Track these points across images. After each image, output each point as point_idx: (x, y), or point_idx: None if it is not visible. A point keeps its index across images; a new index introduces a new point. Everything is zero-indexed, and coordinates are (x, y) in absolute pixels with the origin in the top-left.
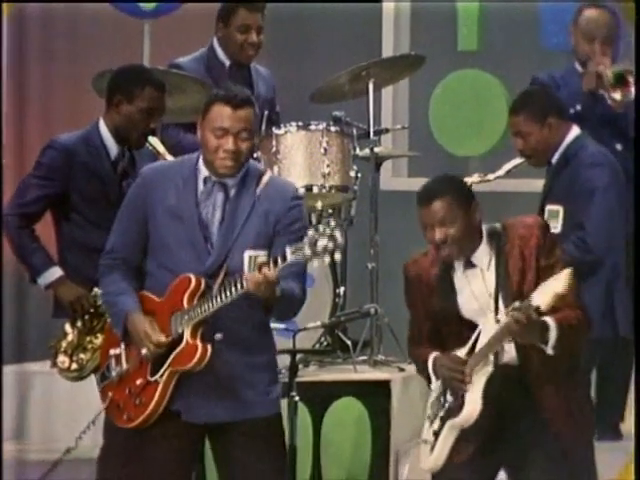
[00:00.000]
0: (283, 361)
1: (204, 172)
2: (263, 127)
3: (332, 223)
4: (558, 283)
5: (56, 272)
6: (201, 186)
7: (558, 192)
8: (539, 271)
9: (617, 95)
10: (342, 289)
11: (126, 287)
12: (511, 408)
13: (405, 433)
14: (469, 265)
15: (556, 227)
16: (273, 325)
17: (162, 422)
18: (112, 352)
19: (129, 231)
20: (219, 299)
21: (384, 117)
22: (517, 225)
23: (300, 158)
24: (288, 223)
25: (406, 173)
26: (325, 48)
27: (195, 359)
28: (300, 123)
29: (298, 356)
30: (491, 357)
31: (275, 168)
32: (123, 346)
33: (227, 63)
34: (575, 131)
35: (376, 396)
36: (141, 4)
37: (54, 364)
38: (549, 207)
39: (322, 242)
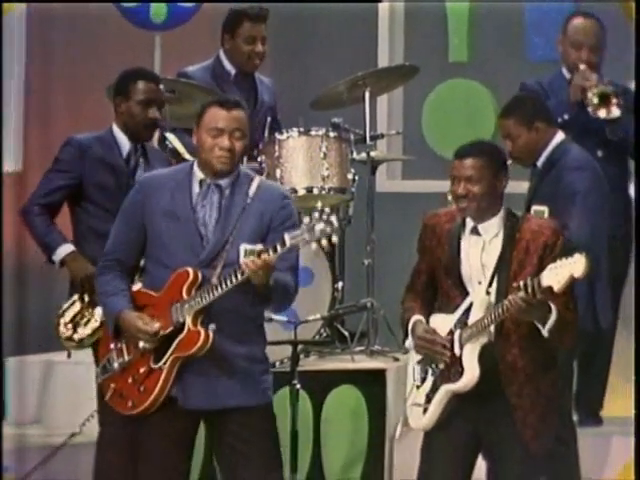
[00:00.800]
0: (285, 351)
1: (199, 175)
2: (266, 133)
3: (327, 210)
4: (577, 266)
5: (68, 248)
6: (197, 188)
7: (543, 193)
8: (539, 269)
9: (601, 114)
10: (340, 284)
11: (120, 287)
12: (489, 383)
13: (399, 418)
14: (474, 232)
15: None
16: (275, 317)
17: (160, 408)
18: (113, 346)
19: (126, 234)
20: (219, 288)
21: (380, 123)
22: (533, 221)
23: (301, 162)
24: (281, 221)
25: (400, 176)
26: (325, 59)
27: (198, 344)
28: (301, 129)
29: (299, 347)
30: (491, 329)
31: (277, 171)
32: (124, 339)
33: (233, 72)
34: (560, 136)
35: (372, 384)
36: (152, 18)
37: (57, 331)
38: (535, 207)
39: (319, 226)
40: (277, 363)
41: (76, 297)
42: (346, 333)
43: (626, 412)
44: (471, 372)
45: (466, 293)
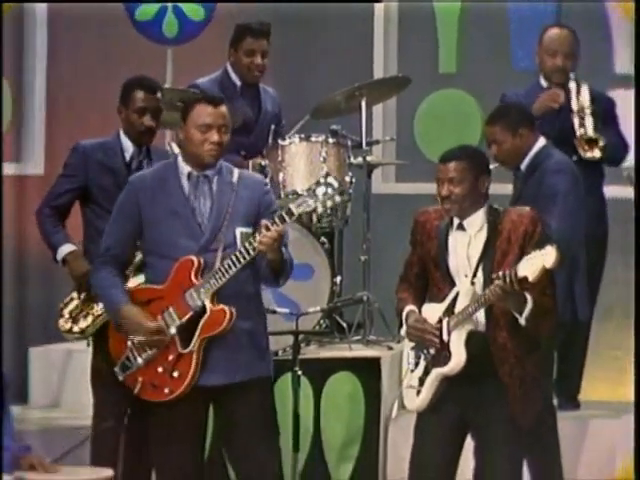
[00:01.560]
0: (287, 341)
1: (186, 169)
2: (270, 139)
3: (329, 179)
4: (548, 258)
5: (69, 248)
6: (186, 181)
7: (527, 194)
8: (520, 257)
9: (587, 154)
10: (338, 278)
11: (117, 281)
12: (477, 368)
13: (393, 401)
14: (460, 227)
15: None
16: (278, 310)
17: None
18: (130, 343)
19: (121, 232)
20: (233, 267)
21: (375, 130)
22: (512, 212)
23: (302, 165)
24: (267, 205)
25: (394, 179)
26: (324, 71)
27: (225, 322)
28: (302, 135)
29: (300, 336)
30: (474, 317)
31: (280, 174)
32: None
33: (238, 84)
34: (542, 141)
35: (368, 370)
36: (164, 32)
37: (58, 325)
38: (518, 208)
39: (320, 190)
40: (280, 351)
41: (75, 294)
42: (344, 324)
43: (601, 396)
44: (458, 356)
45: (454, 284)
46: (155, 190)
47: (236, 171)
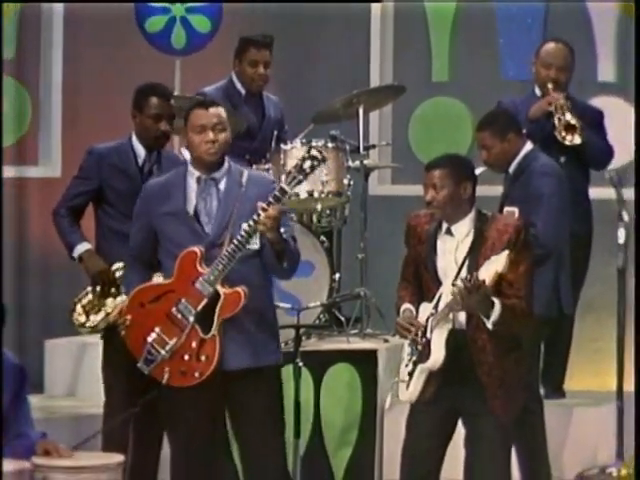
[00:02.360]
0: (289, 334)
1: (195, 173)
2: (273, 144)
3: (312, 152)
4: (498, 263)
5: (85, 246)
6: (194, 185)
7: (514, 196)
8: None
9: (567, 140)
10: (337, 275)
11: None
12: (459, 367)
13: (389, 391)
14: (448, 232)
15: None
16: (281, 305)
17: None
18: (149, 339)
19: (138, 233)
20: (237, 249)
21: (372, 135)
22: (500, 220)
23: None
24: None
25: (390, 181)
26: (324, 80)
27: (241, 302)
28: (303, 140)
29: (301, 330)
30: (450, 316)
31: (283, 177)
32: (158, 329)
33: (243, 92)
34: (529, 145)
35: (365, 362)
36: (173, 44)
37: (72, 318)
38: (507, 209)
39: (307, 163)
40: (282, 344)
41: (89, 289)
42: (342, 318)
43: (584, 386)
44: (437, 353)
45: (441, 285)
46: (164, 195)
47: (246, 172)
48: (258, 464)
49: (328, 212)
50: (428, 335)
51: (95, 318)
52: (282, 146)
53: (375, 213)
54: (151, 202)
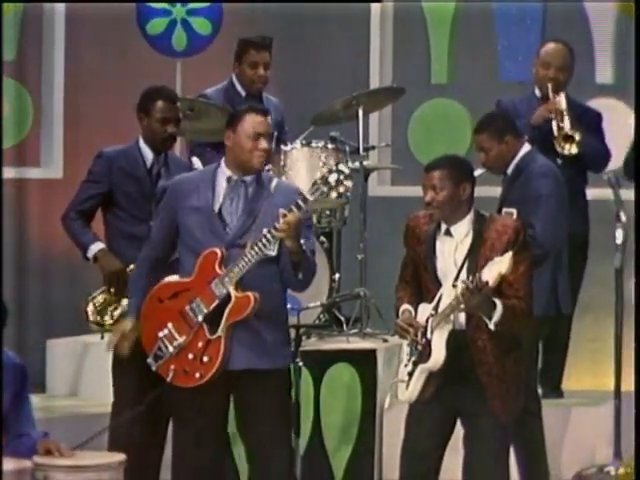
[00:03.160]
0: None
1: (227, 173)
2: (273, 145)
3: (340, 166)
4: (502, 265)
5: (99, 245)
6: (224, 184)
7: (513, 197)
8: None
9: (565, 150)
10: (337, 275)
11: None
12: (459, 367)
13: (388, 391)
14: (447, 233)
15: None
16: None
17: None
18: (161, 334)
19: (161, 228)
20: (254, 254)
21: (371, 137)
22: (498, 221)
23: (303, 170)
24: None
25: (389, 182)
26: (324, 82)
27: (250, 306)
28: (303, 141)
29: (301, 330)
30: (451, 317)
31: (283, 178)
32: (170, 325)
33: (243, 94)
34: (527, 147)
35: (365, 362)
36: (174, 46)
37: (87, 315)
38: (505, 210)
39: (333, 177)
40: None
41: (104, 288)
42: (342, 318)
43: (582, 386)
44: (437, 354)
45: (441, 286)
46: (192, 190)
47: (275, 180)
48: (266, 465)
49: (328, 213)
50: (428, 336)
51: (106, 317)
52: (282, 147)
53: (375, 214)
54: (178, 196)
